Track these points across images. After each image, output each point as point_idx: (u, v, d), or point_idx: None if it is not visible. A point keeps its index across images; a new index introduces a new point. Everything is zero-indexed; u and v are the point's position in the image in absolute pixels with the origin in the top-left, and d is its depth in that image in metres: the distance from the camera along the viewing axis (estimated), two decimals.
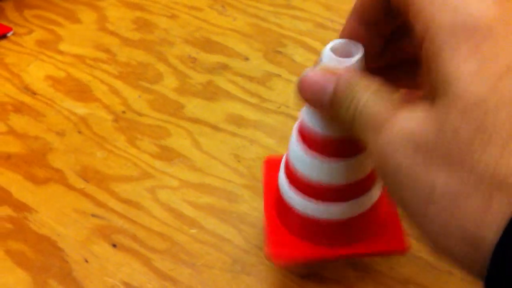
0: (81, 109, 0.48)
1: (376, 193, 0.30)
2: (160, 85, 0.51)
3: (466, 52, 0.17)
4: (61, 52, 0.55)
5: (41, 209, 0.40)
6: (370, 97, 0.21)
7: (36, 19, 0.60)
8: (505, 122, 0.16)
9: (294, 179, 0.29)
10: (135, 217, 0.39)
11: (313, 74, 0.23)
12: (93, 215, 0.39)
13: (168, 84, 0.51)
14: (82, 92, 0.50)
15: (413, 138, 0.18)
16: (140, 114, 0.48)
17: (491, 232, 0.16)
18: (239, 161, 0.43)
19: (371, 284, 0.34)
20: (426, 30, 0.19)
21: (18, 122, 0.47)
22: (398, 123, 0.19)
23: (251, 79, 0.51)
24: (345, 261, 0.35)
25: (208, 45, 0.55)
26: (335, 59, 0.24)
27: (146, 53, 0.55)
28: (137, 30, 0.58)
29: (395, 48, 0.26)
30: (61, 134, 0.46)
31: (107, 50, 0.55)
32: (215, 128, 0.46)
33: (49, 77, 0.52)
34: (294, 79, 0.51)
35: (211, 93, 0.50)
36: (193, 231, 0.38)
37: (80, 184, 0.42)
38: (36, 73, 0.53)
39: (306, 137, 0.28)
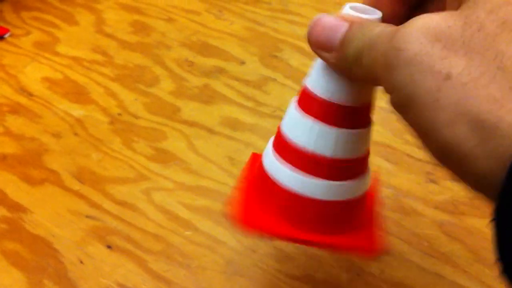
0: (77, 111, 0.49)
1: (366, 181, 0.29)
2: (156, 88, 0.51)
3: None
4: (58, 54, 0.56)
5: (36, 210, 0.40)
6: (383, 28, 0.21)
7: (34, 21, 0.60)
8: None
9: (285, 150, 0.28)
10: (130, 219, 0.39)
11: (327, 16, 0.24)
12: (88, 217, 0.39)
13: (165, 87, 0.51)
14: (78, 94, 0.51)
15: (434, 30, 0.18)
16: (136, 117, 0.48)
17: (505, 123, 0.16)
18: (234, 164, 0.43)
19: (362, 286, 0.35)
20: None
21: (14, 123, 0.48)
22: (420, 19, 0.19)
23: (247, 83, 0.51)
24: (337, 264, 0.36)
25: (205, 49, 0.56)
26: (353, 14, 0.24)
27: (143, 56, 0.55)
28: (134, 33, 0.58)
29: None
30: (57, 135, 0.46)
31: (104, 53, 0.56)
32: (210, 131, 0.46)
33: (45, 79, 0.52)
34: (290, 83, 0.52)
35: (207, 96, 0.50)
36: (188, 233, 0.38)
37: (76, 185, 0.42)
38: (33, 74, 0.53)
39: (307, 103, 0.27)
